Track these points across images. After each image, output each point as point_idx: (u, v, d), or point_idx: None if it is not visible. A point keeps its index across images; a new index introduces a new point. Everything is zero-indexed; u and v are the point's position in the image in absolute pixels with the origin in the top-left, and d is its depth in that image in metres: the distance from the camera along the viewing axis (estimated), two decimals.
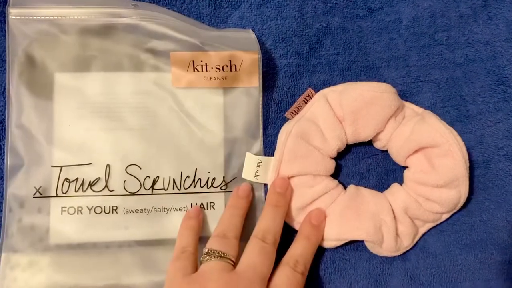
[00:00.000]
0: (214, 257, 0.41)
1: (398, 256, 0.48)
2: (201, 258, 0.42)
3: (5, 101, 0.46)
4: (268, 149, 0.49)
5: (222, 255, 0.42)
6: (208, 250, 0.42)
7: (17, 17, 0.45)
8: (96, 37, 0.46)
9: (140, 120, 0.47)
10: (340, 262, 0.48)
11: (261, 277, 0.41)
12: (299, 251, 0.44)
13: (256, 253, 0.42)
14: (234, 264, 0.42)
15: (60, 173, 0.45)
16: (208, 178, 0.47)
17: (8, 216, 0.45)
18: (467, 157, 0.45)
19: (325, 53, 0.50)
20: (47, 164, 0.45)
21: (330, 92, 0.47)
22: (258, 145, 0.48)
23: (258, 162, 0.47)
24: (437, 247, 0.49)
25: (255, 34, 0.49)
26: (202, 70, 0.47)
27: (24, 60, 0.45)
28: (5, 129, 0.46)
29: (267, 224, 0.44)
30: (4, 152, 0.45)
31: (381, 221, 0.45)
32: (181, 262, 0.42)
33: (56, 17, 0.45)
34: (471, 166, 0.46)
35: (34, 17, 0.45)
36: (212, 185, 0.47)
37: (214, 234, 0.44)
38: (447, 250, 0.49)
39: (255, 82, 0.48)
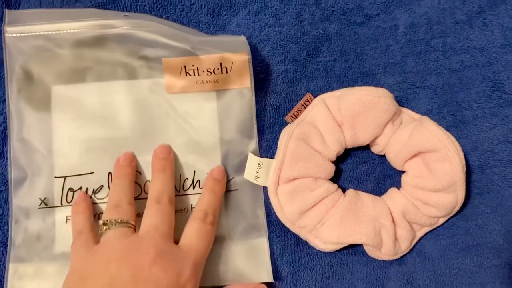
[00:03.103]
0: (112, 225, 0.42)
1: (395, 260, 0.48)
2: (100, 231, 0.43)
3: (5, 111, 0.46)
4: (266, 153, 0.49)
5: (120, 221, 0.42)
6: (104, 221, 0.42)
7: (13, 35, 0.45)
8: (89, 49, 0.46)
9: (137, 126, 0.47)
10: (338, 267, 0.49)
11: (164, 235, 0.42)
12: (206, 204, 0.45)
13: (154, 213, 0.43)
14: (135, 228, 0.43)
15: (64, 183, 0.46)
16: None
17: (14, 227, 0.45)
18: (464, 162, 0.46)
19: (322, 60, 0.51)
20: (50, 175, 0.46)
21: (328, 97, 0.48)
22: (254, 145, 0.48)
23: (259, 164, 0.47)
24: (434, 251, 0.49)
25: (253, 41, 0.49)
26: (194, 75, 0.47)
27: (22, 76, 0.46)
28: (6, 137, 0.46)
29: (159, 188, 0.44)
30: (7, 159, 0.46)
31: (380, 225, 0.46)
32: (81, 240, 0.43)
33: (50, 32, 0.46)
34: (466, 171, 0.47)
35: (30, 34, 0.45)
36: None
37: (107, 208, 0.44)
38: (443, 254, 0.49)
39: (247, 83, 0.48)
